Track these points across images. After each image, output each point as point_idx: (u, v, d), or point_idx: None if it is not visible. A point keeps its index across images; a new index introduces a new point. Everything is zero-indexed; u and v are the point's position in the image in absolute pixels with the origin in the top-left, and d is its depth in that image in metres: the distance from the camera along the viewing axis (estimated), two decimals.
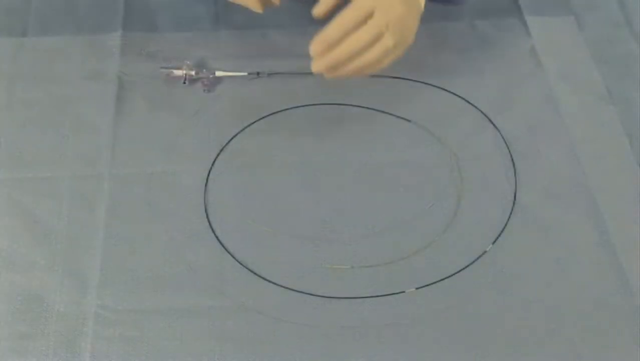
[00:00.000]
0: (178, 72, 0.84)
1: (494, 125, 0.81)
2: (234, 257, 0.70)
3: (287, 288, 0.69)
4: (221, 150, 0.78)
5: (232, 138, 0.80)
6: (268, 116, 0.82)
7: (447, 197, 0.75)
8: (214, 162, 0.77)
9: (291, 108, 0.82)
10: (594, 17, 0.92)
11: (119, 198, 0.74)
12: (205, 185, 0.76)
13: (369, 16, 0.69)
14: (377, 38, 0.70)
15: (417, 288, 0.69)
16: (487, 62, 0.86)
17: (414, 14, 0.73)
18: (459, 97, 0.83)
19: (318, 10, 0.74)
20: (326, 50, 0.70)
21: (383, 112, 0.82)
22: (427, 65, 0.86)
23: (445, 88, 0.84)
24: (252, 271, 0.70)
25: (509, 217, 0.74)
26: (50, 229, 0.72)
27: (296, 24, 0.91)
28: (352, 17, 0.70)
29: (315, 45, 0.70)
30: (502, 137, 0.80)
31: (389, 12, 0.70)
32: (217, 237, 0.72)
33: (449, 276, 0.70)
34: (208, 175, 0.76)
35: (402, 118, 0.82)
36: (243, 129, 0.80)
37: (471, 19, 0.90)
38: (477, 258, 0.71)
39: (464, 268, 0.70)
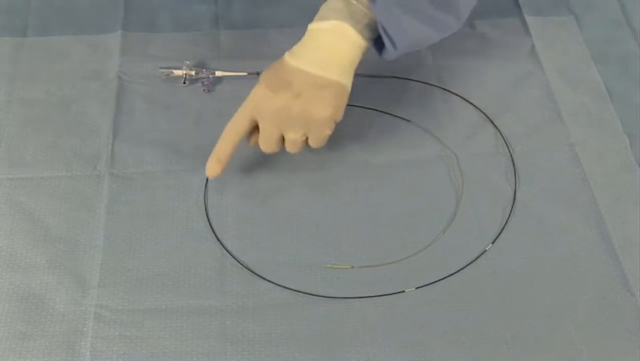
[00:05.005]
0: (178, 72, 0.84)
1: (494, 125, 0.81)
2: (234, 257, 0.70)
3: (287, 288, 0.69)
4: None
5: None
6: None
7: (447, 197, 0.75)
8: None
9: None
10: (594, 17, 0.92)
11: (119, 198, 0.74)
12: (205, 185, 0.76)
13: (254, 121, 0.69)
14: (279, 141, 0.70)
15: (417, 288, 0.69)
16: (487, 62, 0.86)
17: (289, 96, 0.67)
18: (459, 97, 0.83)
19: (212, 169, 0.71)
20: (223, 167, 0.70)
21: (383, 112, 0.82)
22: (427, 65, 0.86)
23: (445, 88, 0.84)
24: (252, 271, 0.70)
25: (509, 217, 0.74)
26: (50, 229, 0.72)
27: (296, 24, 0.91)
28: (236, 127, 0.70)
29: (211, 166, 0.70)
30: (502, 137, 0.80)
31: (265, 112, 0.68)
32: (217, 237, 0.72)
33: (449, 276, 0.70)
34: None
35: (402, 118, 0.82)
36: None
37: (471, 19, 0.90)
38: (477, 258, 0.71)
39: (464, 268, 0.70)
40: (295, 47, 0.69)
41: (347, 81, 0.68)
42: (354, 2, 0.66)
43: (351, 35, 0.66)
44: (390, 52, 0.68)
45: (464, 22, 0.68)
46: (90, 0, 0.92)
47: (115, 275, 0.69)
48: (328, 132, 0.69)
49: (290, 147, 0.71)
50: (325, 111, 0.67)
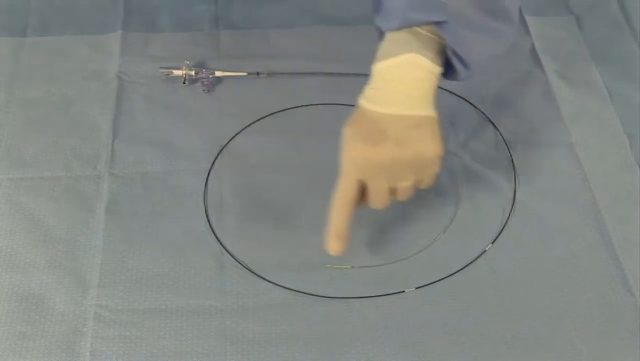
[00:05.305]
0: (178, 72, 0.84)
1: (494, 125, 0.81)
2: (234, 257, 0.70)
3: (287, 288, 0.69)
4: (221, 150, 0.78)
5: (232, 138, 0.80)
6: (268, 116, 0.82)
7: (447, 197, 0.75)
8: (214, 162, 0.77)
9: (291, 108, 0.82)
10: (594, 17, 0.92)
11: (119, 198, 0.74)
12: (205, 185, 0.76)
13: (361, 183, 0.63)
14: (387, 194, 0.64)
15: (417, 288, 0.69)
16: (487, 62, 0.86)
17: (390, 145, 0.61)
18: (459, 97, 0.83)
19: (335, 246, 0.65)
20: (345, 241, 0.64)
21: None
22: None
23: (445, 88, 0.84)
24: (252, 271, 0.70)
25: (509, 217, 0.74)
26: (50, 229, 0.72)
27: (296, 24, 0.91)
28: (346, 195, 0.63)
29: (332, 243, 0.64)
30: (502, 137, 0.80)
31: (370, 172, 0.62)
32: (217, 237, 0.72)
33: (449, 276, 0.70)
34: (208, 175, 0.76)
35: None
36: (243, 129, 0.80)
37: None
38: (477, 258, 0.71)
39: (464, 268, 0.70)
40: (370, 92, 0.64)
41: (435, 112, 0.63)
42: (421, 30, 0.61)
43: (426, 65, 0.61)
44: (462, 74, 0.64)
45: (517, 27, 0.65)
46: (90, 0, 0.92)
47: (115, 275, 0.69)
48: (437, 170, 0.64)
49: (402, 196, 0.65)
50: (431, 150, 0.62)
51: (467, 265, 0.70)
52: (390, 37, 0.63)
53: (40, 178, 0.75)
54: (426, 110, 0.62)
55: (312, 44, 0.89)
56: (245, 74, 0.85)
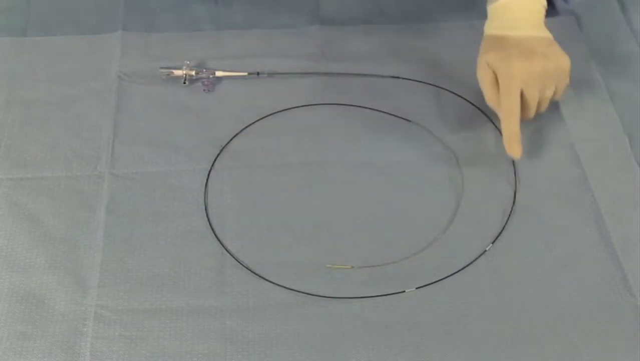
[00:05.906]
0: (178, 72, 0.84)
1: (494, 125, 0.81)
2: (234, 257, 0.70)
3: (287, 288, 0.69)
4: (221, 150, 0.78)
5: (232, 138, 0.80)
6: (268, 116, 0.82)
7: (447, 197, 0.75)
8: (214, 162, 0.77)
9: (291, 108, 0.82)
10: (594, 17, 0.92)
11: (119, 198, 0.74)
12: (205, 185, 0.76)
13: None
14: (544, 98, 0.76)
15: (417, 288, 0.69)
16: None
17: (538, 57, 0.74)
18: (459, 97, 0.83)
19: (516, 150, 0.74)
20: (519, 141, 0.74)
21: (383, 112, 0.82)
22: (427, 65, 0.86)
23: (445, 88, 0.84)
24: (252, 271, 0.70)
25: (509, 217, 0.74)
26: (50, 229, 0.72)
27: (296, 24, 0.91)
28: (515, 105, 0.74)
29: (514, 148, 0.74)
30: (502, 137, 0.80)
31: (529, 78, 0.74)
32: (217, 237, 0.72)
33: (449, 276, 0.70)
34: (208, 175, 0.76)
35: (402, 118, 0.82)
36: (243, 129, 0.80)
37: (471, 19, 0.90)
38: (477, 258, 0.71)
39: (464, 268, 0.70)
40: (501, 23, 0.76)
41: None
42: None
43: None
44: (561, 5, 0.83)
45: None
46: (90, 0, 0.92)
47: (115, 275, 0.69)
48: (568, 81, 0.77)
49: (544, 106, 0.77)
50: (567, 61, 0.76)
51: (467, 265, 0.70)
52: None
53: (40, 178, 0.75)
54: (549, 33, 0.77)
55: (312, 44, 0.89)
56: (245, 74, 0.85)
